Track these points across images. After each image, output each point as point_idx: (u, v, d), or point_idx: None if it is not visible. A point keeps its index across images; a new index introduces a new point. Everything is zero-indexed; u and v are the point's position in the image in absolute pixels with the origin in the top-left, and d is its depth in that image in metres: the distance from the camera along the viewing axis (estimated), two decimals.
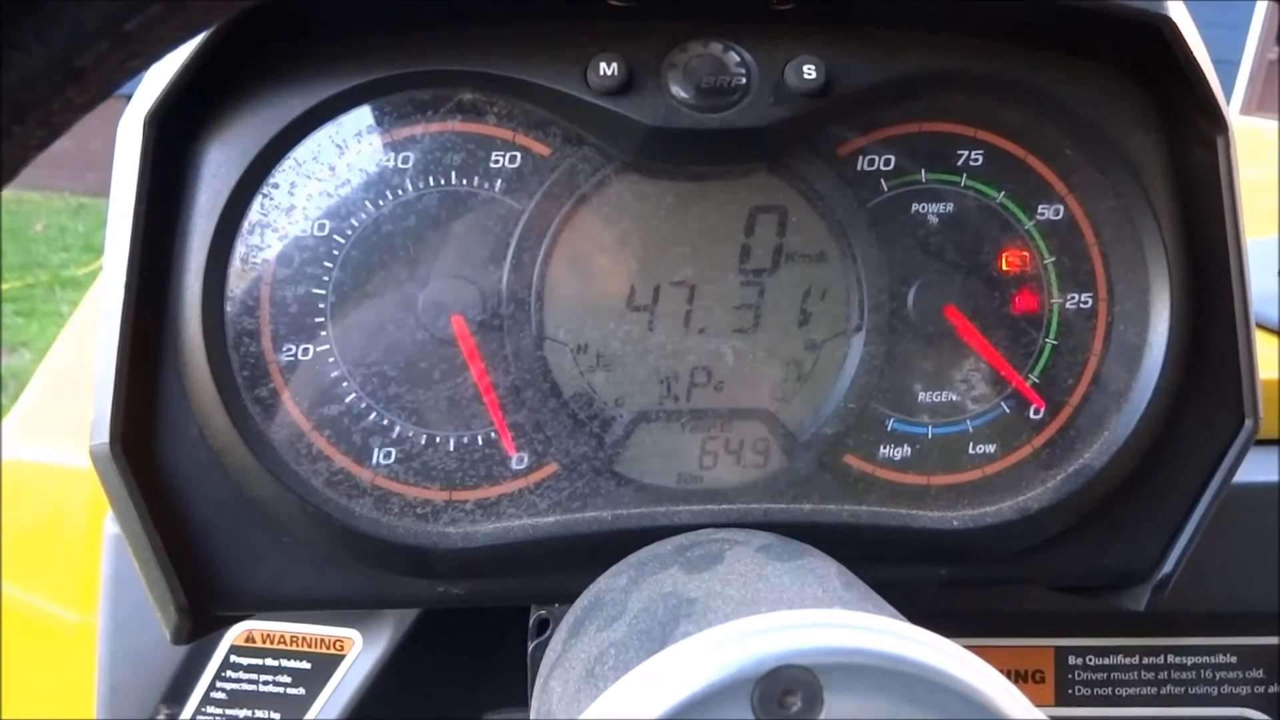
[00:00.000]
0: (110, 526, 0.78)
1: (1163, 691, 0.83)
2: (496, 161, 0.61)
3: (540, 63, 0.59)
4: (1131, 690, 0.83)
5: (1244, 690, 0.83)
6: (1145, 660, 0.83)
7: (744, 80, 0.59)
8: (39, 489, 0.90)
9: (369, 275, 0.60)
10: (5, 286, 4.86)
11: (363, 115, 0.60)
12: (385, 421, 0.61)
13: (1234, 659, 0.83)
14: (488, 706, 0.80)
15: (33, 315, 4.69)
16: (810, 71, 0.59)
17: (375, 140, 0.60)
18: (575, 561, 0.60)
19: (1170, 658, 0.83)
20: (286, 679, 0.78)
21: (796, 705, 0.36)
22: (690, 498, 0.62)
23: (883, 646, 0.37)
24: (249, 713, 0.79)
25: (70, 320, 1.16)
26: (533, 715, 0.54)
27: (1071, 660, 0.83)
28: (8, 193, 5.61)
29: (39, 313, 4.71)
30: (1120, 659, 0.83)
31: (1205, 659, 0.83)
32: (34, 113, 0.30)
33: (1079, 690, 0.83)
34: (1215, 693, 0.83)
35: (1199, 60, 0.60)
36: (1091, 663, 0.83)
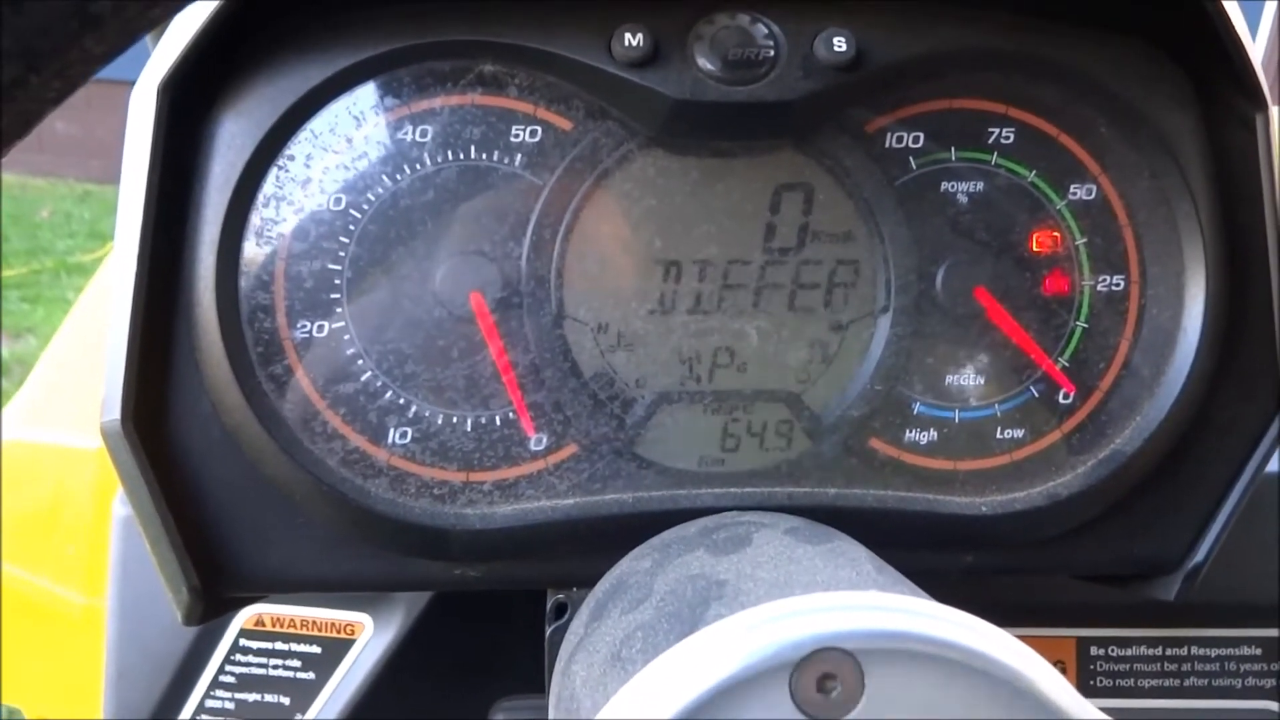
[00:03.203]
0: (119, 508, 0.77)
1: (1186, 683, 0.82)
2: (517, 135, 0.59)
3: (563, 33, 0.57)
4: (1154, 681, 0.82)
5: (1268, 682, 0.82)
6: (1168, 651, 0.82)
7: (772, 52, 0.57)
8: (46, 471, 0.89)
9: (386, 251, 0.59)
10: (11, 273, 4.85)
11: (380, 87, 0.58)
12: (402, 400, 0.59)
13: (1258, 650, 0.82)
14: (500, 693, 0.79)
15: (38, 301, 4.68)
16: (840, 44, 0.57)
17: (393, 113, 0.59)
18: (595, 544, 0.59)
19: (1193, 649, 0.82)
20: (296, 663, 0.77)
21: (837, 690, 0.35)
22: (712, 481, 0.61)
23: (926, 630, 0.36)
24: (258, 697, 0.78)
25: (76, 304, 1.15)
26: (553, 699, 0.52)
27: (1094, 651, 0.81)
28: (12, 178, 5.60)
29: (45, 299, 4.70)
30: (1143, 650, 0.82)
31: (1229, 650, 0.82)
32: (50, 62, 0.28)
33: (1101, 681, 0.81)
34: (1239, 685, 0.82)
35: (1240, 36, 0.58)
36: (1114, 654, 0.81)
